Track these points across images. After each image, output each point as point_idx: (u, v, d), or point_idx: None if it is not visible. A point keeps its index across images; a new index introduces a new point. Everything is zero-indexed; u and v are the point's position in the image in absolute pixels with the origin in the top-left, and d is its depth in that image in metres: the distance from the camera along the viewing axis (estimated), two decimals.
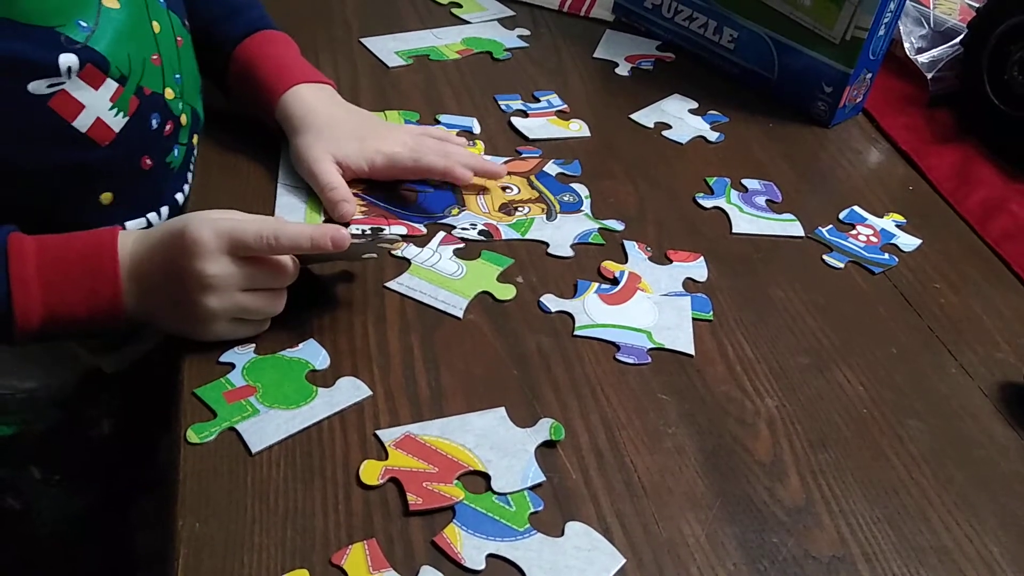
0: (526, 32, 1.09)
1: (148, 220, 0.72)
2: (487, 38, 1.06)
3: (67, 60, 0.62)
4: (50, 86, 0.62)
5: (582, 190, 0.85)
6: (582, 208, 0.82)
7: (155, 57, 0.69)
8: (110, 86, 0.65)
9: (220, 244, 0.61)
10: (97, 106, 0.65)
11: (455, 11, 1.11)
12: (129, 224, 0.71)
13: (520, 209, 0.81)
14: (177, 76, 0.72)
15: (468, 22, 1.09)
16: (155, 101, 0.69)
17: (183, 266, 0.60)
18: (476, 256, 0.75)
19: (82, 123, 0.64)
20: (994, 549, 0.59)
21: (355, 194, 0.78)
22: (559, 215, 0.81)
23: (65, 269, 0.61)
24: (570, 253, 0.77)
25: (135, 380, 0.85)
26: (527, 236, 0.78)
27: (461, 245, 0.75)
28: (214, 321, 0.62)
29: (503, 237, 0.77)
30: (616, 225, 0.81)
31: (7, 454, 0.82)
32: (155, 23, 0.70)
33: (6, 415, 0.80)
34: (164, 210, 0.74)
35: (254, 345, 0.64)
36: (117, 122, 0.66)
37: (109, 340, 0.83)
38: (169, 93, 0.71)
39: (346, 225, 0.75)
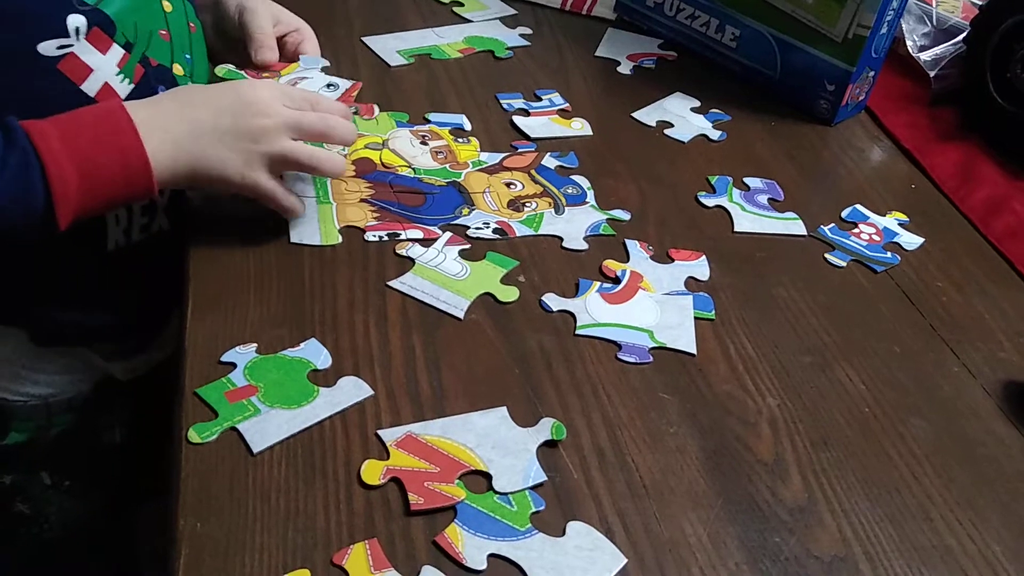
0: (528, 31, 1.08)
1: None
2: (489, 37, 1.06)
3: (75, 20, 0.63)
4: (59, 47, 0.63)
5: (583, 182, 0.85)
6: (587, 200, 0.83)
7: (163, 32, 0.70)
8: (116, 51, 0.66)
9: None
10: (105, 70, 0.66)
11: (457, 10, 1.11)
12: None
13: (528, 204, 0.81)
14: (187, 56, 0.74)
15: (470, 21, 1.09)
16: (162, 74, 0.70)
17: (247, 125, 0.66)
18: (481, 257, 0.74)
19: (90, 87, 0.65)
20: (996, 549, 0.59)
21: (365, 200, 0.78)
22: (566, 208, 0.81)
23: (85, 134, 0.60)
24: (584, 246, 0.77)
25: (149, 388, 0.85)
26: (540, 232, 0.78)
27: (467, 246, 0.75)
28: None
29: (517, 234, 0.77)
30: (622, 215, 0.81)
31: (18, 460, 0.82)
32: (166, 3, 0.72)
33: (19, 422, 0.80)
34: None
35: (256, 345, 0.64)
36: (123, 88, 0.67)
37: (125, 347, 0.83)
38: (178, 69, 0.72)
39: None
